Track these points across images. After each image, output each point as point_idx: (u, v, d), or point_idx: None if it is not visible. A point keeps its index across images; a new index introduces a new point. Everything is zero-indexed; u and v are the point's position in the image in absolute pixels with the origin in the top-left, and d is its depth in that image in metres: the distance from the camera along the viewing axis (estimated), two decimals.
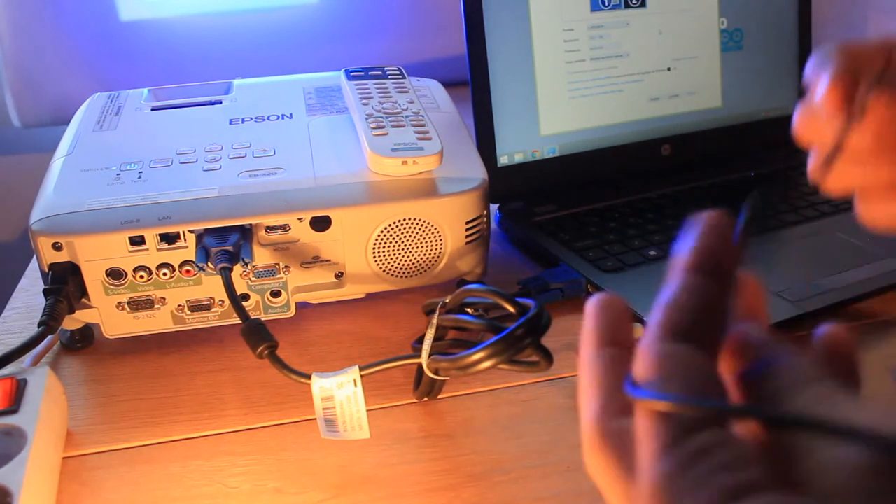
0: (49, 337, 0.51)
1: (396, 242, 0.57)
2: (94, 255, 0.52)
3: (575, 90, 0.74)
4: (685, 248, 0.28)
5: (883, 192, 0.39)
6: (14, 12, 0.99)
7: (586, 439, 0.27)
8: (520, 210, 0.72)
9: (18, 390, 0.46)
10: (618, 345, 0.30)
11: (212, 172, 0.57)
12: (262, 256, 0.55)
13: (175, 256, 0.53)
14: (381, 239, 0.56)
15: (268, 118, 0.65)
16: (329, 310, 0.61)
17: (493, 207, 0.72)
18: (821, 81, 0.37)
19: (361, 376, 0.46)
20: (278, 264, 0.56)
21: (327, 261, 0.56)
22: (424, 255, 0.58)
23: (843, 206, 0.72)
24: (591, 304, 0.30)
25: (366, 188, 0.56)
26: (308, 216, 0.54)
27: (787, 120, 0.91)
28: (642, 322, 0.56)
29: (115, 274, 0.53)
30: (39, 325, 0.50)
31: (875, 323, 0.58)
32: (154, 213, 0.53)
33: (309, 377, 0.47)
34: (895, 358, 0.54)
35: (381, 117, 0.60)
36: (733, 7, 0.79)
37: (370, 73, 0.69)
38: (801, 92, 0.84)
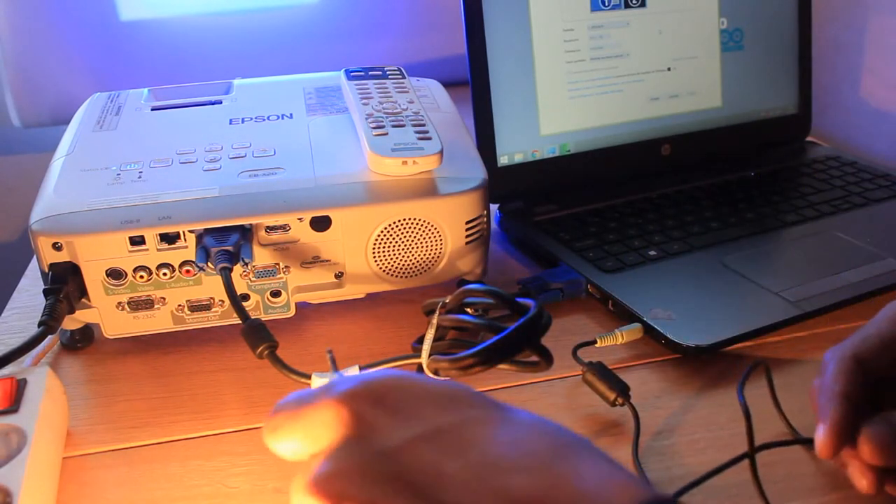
0: (49, 337, 0.51)
1: (396, 242, 0.57)
2: (94, 255, 0.52)
3: (575, 90, 0.74)
4: None
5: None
6: (14, 12, 0.99)
7: None
8: (520, 210, 0.72)
9: (18, 390, 0.46)
10: None
11: (212, 172, 0.57)
12: (262, 256, 0.55)
13: (175, 256, 0.53)
14: (381, 239, 0.56)
15: (268, 118, 0.65)
16: (329, 310, 0.61)
17: (493, 207, 0.72)
18: (819, 426, 0.42)
19: None
20: (278, 264, 0.56)
21: (327, 261, 0.56)
22: (424, 255, 0.58)
23: (843, 206, 0.72)
24: None
25: (366, 188, 0.56)
26: (308, 216, 0.54)
27: (787, 120, 0.91)
28: (641, 321, 0.56)
29: (115, 274, 0.53)
30: (39, 325, 0.50)
31: None
32: (154, 213, 0.53)
33: (309, 377, 0.47)
34: None
35: (381, 117, 0.60)
36: (733, 7, 0.79)
37: (370, 73, 0.69)
38: (801, 92, 0.84)
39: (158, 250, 0.53)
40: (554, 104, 0.73)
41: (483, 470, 0.24)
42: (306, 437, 0.29)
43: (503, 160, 0.72)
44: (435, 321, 0.49)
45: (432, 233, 0.57)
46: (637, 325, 0.56)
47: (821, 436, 0.41)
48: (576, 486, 0.24)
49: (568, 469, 0.24)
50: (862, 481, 0.41)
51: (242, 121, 0.65)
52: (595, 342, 0.55)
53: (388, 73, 0.69)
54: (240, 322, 0.50)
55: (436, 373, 0.47)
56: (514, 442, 0.25)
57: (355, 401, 0.28)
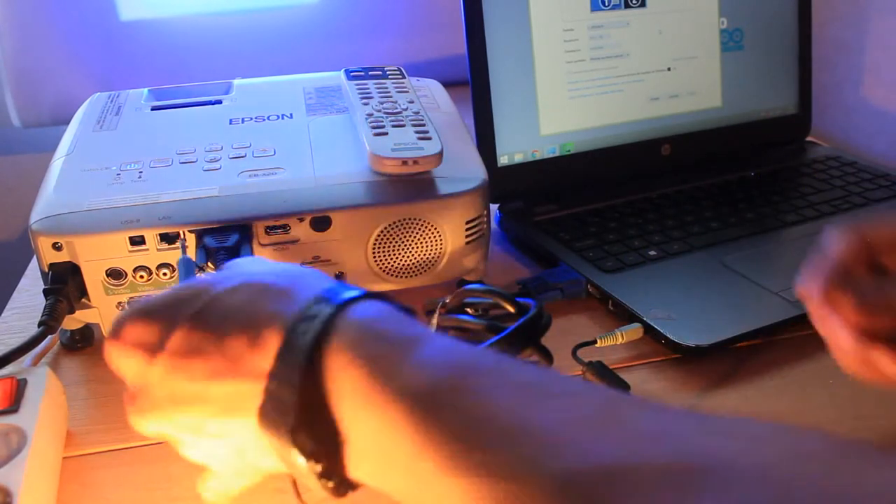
0: (49, 337, 0.51)
1: (396, 242, 0.57)
2: (94, 255, 0.52)
3: (575, 90, 0.74)
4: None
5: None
6: (14, 12, 0.99)
7: None
8: (520, 210, 0.72)
9: (18, 390, 0.46)
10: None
11: (212, 172, 0.57)
12: (262, 257, 0.55)
13: (175, 256, 0.53)
14: (381, 239, 0.56)
15: (268, 118, 0.65)
16: None
17: (493, 207, 0.72)
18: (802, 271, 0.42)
19: None
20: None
21: (327, 261, 0.56)
22: (424, 255, 0.58)
23: (843, 206, 0.72)
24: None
25: (366, 188, 0.56)
26: (308, 216, 0.54)
27: (787, 120, 0.91)
28: (641, 321, 0.56)
29: (115, 274, 0.53)
30: (39, 325, 0.50)
31: None
32: (154, 213, 0.53)
33: None
34: None
35: (382, 117, 0.60)
36: (733, 7, 0.79)
37: (370, 73, 0.69)
38: (801, 92, 0.84)
39: (158, 250, 0.53)
40: (554, 104, 0.73)
41: (212, 322, 0.34)
42: (123, 373, 0.37)
43: (503, 160, 0.72)
44: (435, 321, 0.49)
45: (432, 233, 0.57)
46: (637, 325, 0.56)
47: (801, 277, 0.41)
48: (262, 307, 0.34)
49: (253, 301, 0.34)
50: (840, 335, 0.40)
51: (242, 121, 0.65)
52: (595, 342, 0.55)
53: (388, 73, 0.69)
54: None
55: None
56: (230, 302, 0.35)
57: (128, 332, 0.36)
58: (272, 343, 0.32)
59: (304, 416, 0.30)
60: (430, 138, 0.57)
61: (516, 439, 0.25)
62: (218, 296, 0.35)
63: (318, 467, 0.31)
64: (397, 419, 0.28)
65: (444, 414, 0.27)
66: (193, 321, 0.34)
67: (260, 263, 0.38)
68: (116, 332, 0.36)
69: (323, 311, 0.31)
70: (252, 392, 0.32)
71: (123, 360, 0.36)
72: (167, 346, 0.34)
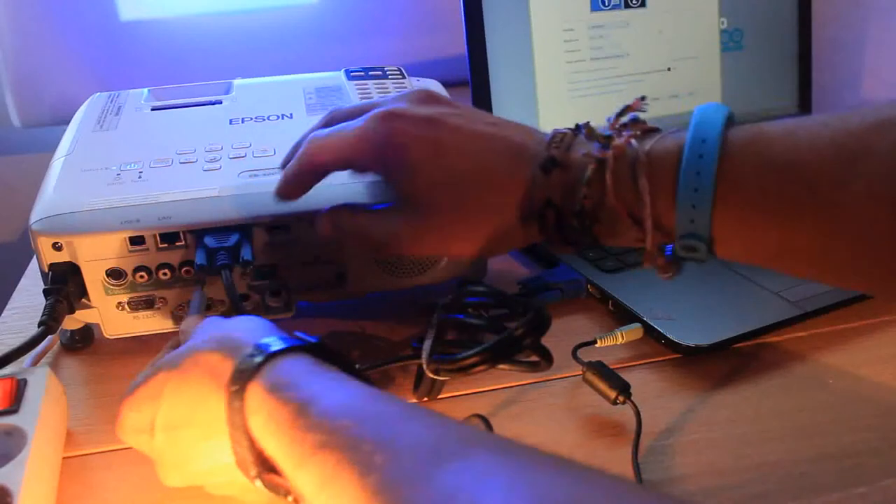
0: (49, 337, 0.51)
1: None
2: (94, 255, 0.52)
3: (575, 90, 0.74)
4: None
5: None
6: (14, 12, 0.99)
7: None
8: None
9: (18, 390, 0.46)
10: None
11: (212, 172, 0.57)
12: (262, 256, 0.55)
13: (175, 256, 0.53)
14: None
15: (268, 118, 0.65)
16: (329, 310, 0.61)
17: None
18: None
19: None
20: (278, 264, 0.56)
21: (327, 261, 0.56)
22: (424, 254, 0.57)
23: None
24: None
25: (366, 188, 0.56)
26: (308, 216, 0.54)
27: None
28: (641, 322, 0.56)
29: (115, 274, 0.53)
30: (39, 325, 0.50)
31: (875, 323, 0.58)
32: (154, 213, 0.53)
33: None
34: (895, 359, 0.54)
35: None
36: (733, 7, 0.79)
37: (370, 73, 0.69)
38: (801, 92, 0.84)
39: (158, 250, 0.53)
40: (554, 104, 0.73)
41: (181, 398, 0.41)
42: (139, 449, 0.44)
43: None
44: (435, 321, 0.49)
45: None
46: (637, 326, 0.56)
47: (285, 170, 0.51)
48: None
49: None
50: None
51: (242, 121, 0.65)
52: (595, 342, 0.55)
53: (388, 73, 0.69)
54: None
55: (436, 373, 0.47)
56: (186, 378, 0.41)
57: (125, 423, 0.43)
58: (221, 411, 0.38)
59: (263, 464, 0.37)
60: None
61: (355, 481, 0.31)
62: (176, 377, 0.41)
63: (290, 497, 0.38)
64: (305, 476, 0.33)
65: (325, 469, 0.33)
66: (167, 403, 0.41)
67: (214, 325, 0.44)
68: (118, 423, 0.43)
69: (241, 385, 0.38)
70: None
71: (134, 442, 0.44)
72: (158, 425, 0.41)
